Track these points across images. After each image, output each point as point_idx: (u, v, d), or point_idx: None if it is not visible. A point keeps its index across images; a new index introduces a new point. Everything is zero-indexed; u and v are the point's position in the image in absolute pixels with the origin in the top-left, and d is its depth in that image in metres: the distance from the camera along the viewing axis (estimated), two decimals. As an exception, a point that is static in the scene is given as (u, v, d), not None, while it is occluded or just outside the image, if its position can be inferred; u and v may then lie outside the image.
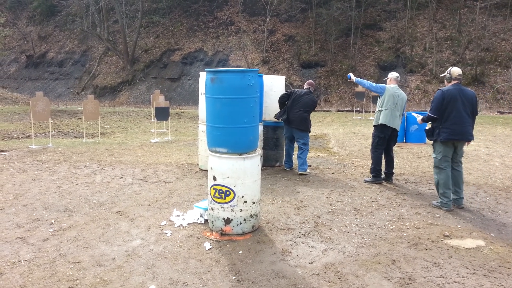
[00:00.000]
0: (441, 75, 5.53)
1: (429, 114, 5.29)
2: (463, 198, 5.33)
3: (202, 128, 7.23)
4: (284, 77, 8.04)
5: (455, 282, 3.32)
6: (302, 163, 7.02)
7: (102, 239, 4.26)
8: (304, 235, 4.35)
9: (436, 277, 3.41)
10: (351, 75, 6.91)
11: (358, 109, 19.56)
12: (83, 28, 33.16)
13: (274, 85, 7.54)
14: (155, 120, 12.53)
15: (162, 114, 11.70)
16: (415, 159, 8.60)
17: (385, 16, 28.55)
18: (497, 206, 5.35)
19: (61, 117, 17.90)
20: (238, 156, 4.25)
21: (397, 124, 6.35)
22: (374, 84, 6.59)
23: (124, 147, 10.15)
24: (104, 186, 6.32)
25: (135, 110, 20.76)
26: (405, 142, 10.84)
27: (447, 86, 5.25)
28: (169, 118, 12.08)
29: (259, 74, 6.22)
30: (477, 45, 24.60)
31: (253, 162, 4.34)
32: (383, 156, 6.57)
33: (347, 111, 19.95)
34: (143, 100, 27.52)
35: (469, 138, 5.18)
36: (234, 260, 3.76)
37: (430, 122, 5.40)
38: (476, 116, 5.33)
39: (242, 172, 4.24)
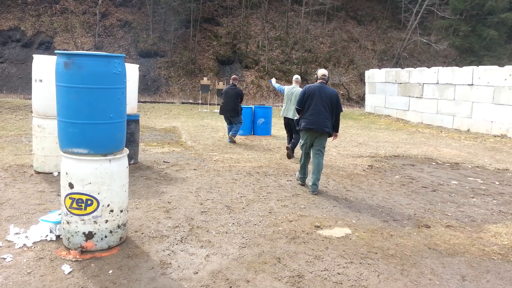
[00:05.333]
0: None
1: (295, 106, 6.06)
2: (307, 178, 6.18)
3: (38, 122, 6.01)
4: (138, 65, 7.30)
5: (339, 274, 3.44)
6: (235, 131, 9.56)
7: None
8: (181, 241, 3.95)
9: (321, 270, 3.48)
10: (273, 80, 9.71)
11: (203, 101, 19.63)
12: None
13: (127, 74, 6.75)
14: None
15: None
16: (267, 151, 8.96)
17: (222, 11, 29.37)
18: (348, 194, 5.89)
19: None
20: (103, 157, 3.57)
21: (291, 114, 8.12)
22: (278, 86, 9.14)
23: None
24: None
25: None
26: (253, 134, 11.27)
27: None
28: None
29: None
30: (301, 46, 27.49)
31: (121, 163, 3.72)
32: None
33: (191, 103, 19.80)
34: None
35: (324, 129, 5.67)
36: (104, 283, 3.13)
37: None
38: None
39: (108, 176, 3.58)
